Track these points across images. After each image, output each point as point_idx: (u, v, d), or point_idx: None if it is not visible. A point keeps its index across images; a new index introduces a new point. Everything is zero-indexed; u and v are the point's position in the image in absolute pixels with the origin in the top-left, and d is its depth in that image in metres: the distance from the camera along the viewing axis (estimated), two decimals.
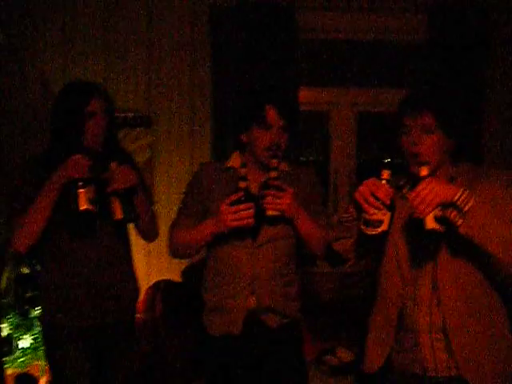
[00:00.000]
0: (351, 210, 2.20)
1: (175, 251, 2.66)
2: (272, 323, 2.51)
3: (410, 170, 2.16)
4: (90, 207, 2.40)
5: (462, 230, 1.94)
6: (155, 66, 3.94)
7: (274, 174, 2.40)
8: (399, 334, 2.20)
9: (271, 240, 2.51)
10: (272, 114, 2.46)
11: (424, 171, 1.98)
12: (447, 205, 1.93)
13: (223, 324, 2.52)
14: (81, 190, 2.39)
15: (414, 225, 1.99)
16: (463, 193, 1.92)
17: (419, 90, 2.25)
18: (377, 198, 1.98)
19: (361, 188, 2.03)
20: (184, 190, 2.68)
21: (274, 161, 2.39)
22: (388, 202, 1.99)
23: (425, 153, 2.10)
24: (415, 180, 2.17)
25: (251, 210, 2.37)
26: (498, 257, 1.96)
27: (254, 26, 3.82)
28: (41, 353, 3.50)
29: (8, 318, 3.51)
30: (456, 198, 1.92)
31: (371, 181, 2.03)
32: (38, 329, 3.48)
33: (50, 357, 2.69)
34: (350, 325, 3.62)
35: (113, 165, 2.49)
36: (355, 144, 4.19)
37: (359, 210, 2.04)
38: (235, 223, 2.37)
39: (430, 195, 1.90)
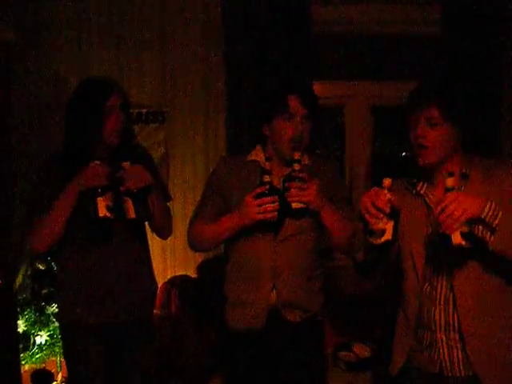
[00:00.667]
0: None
1: (196, 244, 2.67)
2: (294, 318, 2.52)
3: (418, 164, 2.15)
4: (108, 214, 2.44)
5: (492, 247, 1.92)
6: (169, 61, 3.92)
7: (297, 166, 2.39)
8: (417, 333, 2.19)
9: (293, 234, 2.51)
10: (295, 103, 2.48)
11: (450, 182, 1.94)
12: (475, 220, 1.90)
13: (245, 318, 2.52)
14: (99, 198, 2.43)
15: (440, 240, 1.97)
16: (491, 207, 1.90)
17: (425, 83, 2.23)
18: (377, 208, 1.97)
19: (362, 198, 2.04)
20: (205, 184, 2.69)
21: (297, 153, 2.39)
22: (388, 211, 1.98)
23: (431, 146, 2.09)
24: (427, 175, 2.16)
25: (276, 204, 2.37)
26: None
27: (268, 20, 3.79)
28: (57, 349, 3.52)
29: (25, 315, 3.52)
30: (485, 213, 1.89)
31: (372, 191, 2.03)
32: (54, 325, 3.50)
33: (66, 353, 2.71)
34: (368, 320, 3.61)
35: (125, 164, 2.50)
36: (371, 137, 4.16)
37: (364, 220, 2.04)
38: (260, 216, 2.37)
39: (458, 211, 1.88)
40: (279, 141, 2.50)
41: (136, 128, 3.85)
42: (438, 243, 2.03)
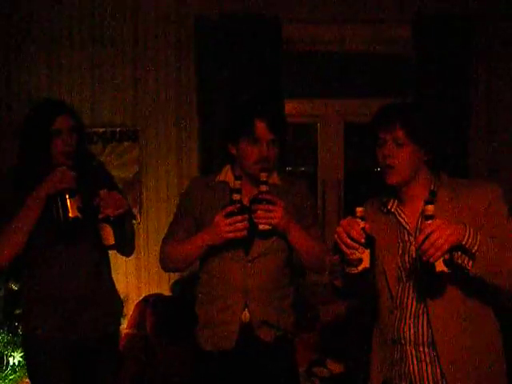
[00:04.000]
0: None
1: (167, 264, 2.65)
2: (266, 337, 2.51)
3: (386, 182, 2.17)
4: (79, 215, 2.46)
5: (472, 272, 1.95)
6: (141, 80, 3.95)
7: (264, 187, 2.39)
8: (389, 348, 2.21)
9: (263, 254, 2.51)
10: (261, 127, 2.45)
11: (430, 210, 1.95)
12: (455, 247, 1.92)
13: (216, 339, 2.51)
14: (70, 200, 2.45)
15: (423, 268, 1.99)
16: (470, 233, 1.92)
17: (391, 103, 2.27)
18: (352, 239, 2.00)
19: (337, 229, 2.05)
20: (176, 204, 2.70)
21: (264, 174, 2.38)
22: (363, 241, 2.00)
23: (398, 165, 2.12)
24: (393, 193, 2.19)
25: (246, 222, 2.37)
26: (506, 288, 2.00)
27: (240, 39, 3.83)
28: None
29: None
30: (465, 240, 1.92)
31: (346, 221, 2.04)
32: None
33: (31, 373, 2.66)
34: (342, 336, 3.63)
35: (102, 192, 2.50)
36: (343, 155, 4.20)
37: (340, 251, 2.06)
38: (231, 235, 2.38)
39: (440, 240, 1.89)
40: (245, 162, 2.50)
41: (109, 147, 3.85)
42: (420, 270, 2.05)
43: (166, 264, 2.65)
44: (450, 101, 3.88)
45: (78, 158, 2.58)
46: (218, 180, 2.61)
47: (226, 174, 2.61)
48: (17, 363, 3.49)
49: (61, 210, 2.45)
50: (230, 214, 2.37)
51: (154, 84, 3.95)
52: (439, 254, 1.90)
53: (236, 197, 2.38)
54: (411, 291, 2.15)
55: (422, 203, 2.11)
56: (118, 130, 3.91)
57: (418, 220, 2.16)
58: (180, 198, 2.73)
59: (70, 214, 2.44)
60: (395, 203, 2.23)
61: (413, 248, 2.14)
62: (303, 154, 4.64)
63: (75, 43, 3.91)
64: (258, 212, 2.38)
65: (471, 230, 1.93)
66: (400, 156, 2.12)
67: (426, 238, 1.90)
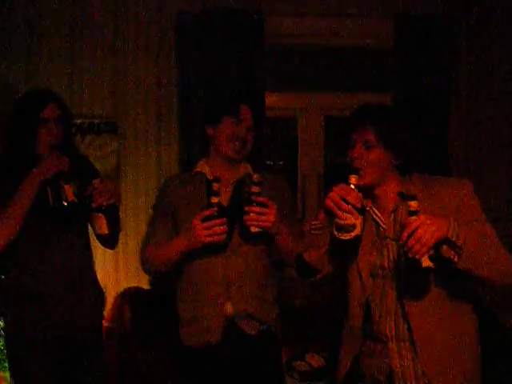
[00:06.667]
0: (321, 216, 2.19)
1: (149, 267, 2.65)
2: (250, 330, 2.50)
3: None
4: (75, 199, 2.47)
5: (459, 265, 1.94)
6: (121, 71, 3.90)
7: (256, 188, 2.38)
8: (366, 343, 2.21)
9: (243, 246, 2.50)
10: (245, 112, 2.54)
11: (413, 205, 1.94)
12: (441, 241, 1.92)
13: (200, 334, 2.50)
14: (66, 184, 2.46)
15: (409, 264, 1.97)
16: (454, 226, 1.91)
17: (363, 106, 2.26)
18: (348, 203, 1.99)
19: (331, 194, 2.02)
20: (152, 205, 2.69)
21: (256, 175, 2.38)
22: (359, 206, 1.99)
23: (365, 168, 2.11)
24: (364, 192, 2.18)
25: (224, 226, 2.36)
26: (490, 279, 2.01)
27: (221, 33, 3.82)
28: (6, 364, 3.43)
29: None
30: (450, 233, 1.91)
31: (340, 186, 2.02)
32: (2, 340, 3.42)
33: (13, 370, 2.65)
34: (320, 330, 3.63)
35: (96, 181, 2.49)
36: (323, 149, 4.21)
37: (330, 216, 2.04)
38: (209, 239, 2.36)
39: (426, 235, 1.88)
40: (222, 139, 2.53)
41: (88, 138, 3.81)
42: (404, 267, 2.04)
43: (147, 267, 2.64)
44: (431, 96, 3.90)
45: (64, 148, 2.55)
46: (193, 172, 2.63)
47: (202, 166, 2.62)
48: None
49: (56, 195, 2.45)
50: (207, 218, 2.35)
51: (133, 75, 3.90)
52: (425, 249, 1.89)
53: (214, 199, 2.35)
54: (388, 288, 2.15)
55: (393, 202, 2.14)
56: (96, 121, 3.87)
57: (390, 217, 2.16)
58: (156, 198, 2.71)
59: (68, 198, 2.45)
60: (369, 202, 2.23)
61: (389, 245, 2.15)
62: (283, 148, 4.64)
63: (54, 32, 3.84)
64: (251, 214, 2.36)
65: (455, 223, 1.93)
66: (368, 158, 2.11)
67: (412, 234, 1.89)
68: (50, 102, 2.54)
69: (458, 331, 2.15)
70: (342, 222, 2.00)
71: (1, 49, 3.81)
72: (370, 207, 2.21)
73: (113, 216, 2.55)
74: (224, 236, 2.37)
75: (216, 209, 2.35)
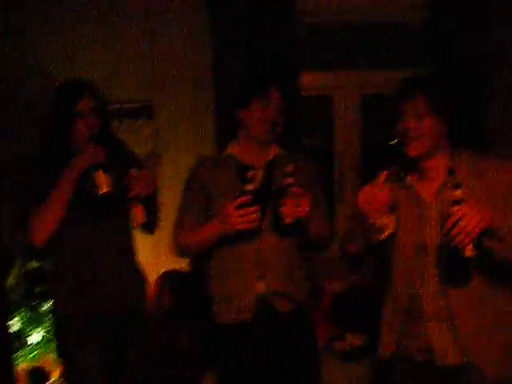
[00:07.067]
0: (357, 216, 2.20)
1: (182, 253, 2.71)
2: (281, 308, 2.52)
3: (407, 155, 2.15)
4: (112, 189, 2.48)
5: (500, 254, 1.96)
6: (156, 55, 3.91)
7: (290, 180, 2.38)
8: (408, 322, 2.21)
9: None
10: (274, 92, 2.54)
11: (458, 195, 1.94)
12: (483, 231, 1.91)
13: (233, 312, 2.53)
14: (104, 174, 2.47)
15: (451, 253, 1.97)
16: (497, 216, 1.92)
17: (413, 75, 2.24)
18: (380, 202, 1.98)
19: (361, 195, 2.04)
20: (183, 187, 2.69)
21: (290, 166, 2.38)
22: (390, 204, 2.00)
23: (419, 137, 2.11)
24: (413, 167, 2.16)
25: (258, 213, 2.37)
26: None
27: (255, 10, 3.78)
28: (53, 346, 3.51)
29: (19, 313, 3.52)
30: (493, 223, 1.91)
31: (370, 186, 2.05)
32: (48, 323, 3.50)
33: (62, 350, 2.70)
34: (360, 310, 3.63)
35: (133, 171, 2.50)
36: (360, 128, 4.17)
37: (363, 216, 2.05)
38: (243, 226, 2.37)
39: (471, 224, 1.88)
40: (253, 123, 2.55)
41: (125, 123, 3.84)
42: (448, 256, 2.04)
43: (180, 251, 2.69)
44: (468, 71, 3.81)
45: (102, 139, 2.56)
46: (224, 154, 2.66)
47: (233, 148, 2.64)
48: (39, 340, 3.53)
49: (95, 185, 2.47)
50: (241, 205, 2.36)
51: (168, 59, 3.91)
52: (469, 239, 1.89)
53: (248, 187, 2.36)
54: (430, 267, 2.14)
55: (441, 177, 2.12)
56: (132, 106, 3.89)
57: (436, 195, 2.14)
58: (186, 179, 2.71)
59: (105, 189, 2.46)
60: (411, 177, 2.21)
61: (432, 223, 2.13)
62: (320, 128, 4.60)
63: (90, 17, 3.86)
64: (287, 206, 2.36)
65: (498, 213, 1.93)
66: (421, 127, 2.10)
67: (456, 223, 1.89)
68: (84, 95, 2.55)
69: (497, 310, 2.15)
70: (374, 222, 2.01)
71: (38, 32, 3.84)
72: (414, 183, 2.19)
73: (150, 205, 2.57)
74: (257, 223, 2.39)
75: (250, 196, 2.36)
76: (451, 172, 2.11)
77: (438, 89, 2.15)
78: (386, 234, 2.02)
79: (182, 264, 3.90)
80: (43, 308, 3.54)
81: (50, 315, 3.35)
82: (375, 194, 2.00)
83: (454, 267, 2.04)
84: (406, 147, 2.14)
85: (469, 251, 1.93)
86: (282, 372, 2.56)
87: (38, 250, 2.69)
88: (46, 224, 2.51)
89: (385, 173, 2.03)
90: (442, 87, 2.18)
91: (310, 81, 4.02)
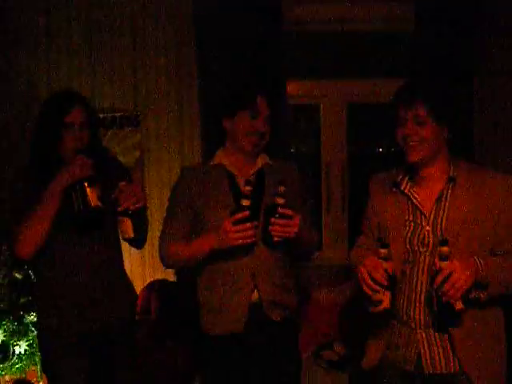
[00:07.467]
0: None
1: (171, 264, 2.70)
2: (276, 316, 2.51)
3: (406, 162, 2.16)
4: (100, 204, 2.43)
5: (487, 297, 2.04)
6: (141, 64, 3.91)
7: (281, 200, 2.37)
8: (394, 330, 2.20)
9: None
10: (262, 103, 2.50)
11: (445, 251, 1.97)
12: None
13: (226, 323, 2.50)
14: (91, 188, 2.42)
15: (443, 308, 2.02)
16: (482, 266, 1.98)
17: (412, 80, 2.24)
18: (375, 281, 2.01)
19: (361, 269, 2.06)
20: (170, 198, 2.65)
21: (282, 188, 2.37)
22: (386, 283, 2.02)
23: (420, 143, 2.10)
24: (412, 174, 2.17)
25: (255, 229, 2.37)
26: None
27: (241, 20, 3.78)
28: (37, 358, 3.47)
29: (3, 325, 3.48)
30: (479, 276, 1.97)
31: (369, 261, 2.06)
32: (33, 334, 3.46)
33: (46, 364, 2.66)
34: (347, 320, 3.62)
35: (122, 184, 2.46)
36: (346, 136, 4.17)
37: (362, 290, 2.08)
38: (240, 242, 2.36)
39: (460, 281, 1.94)
40: (239, 133, 2.52)
41: (110, 133, 3.83)
42: (439, 311, 2.06)
43: (168, 263, 2.65)
44: (452, 80, 3.83)
45: (91, 151, 2.52)
46: (212, 164, 2.62)
47: (221, 157, 2.61)
48: (23, 352, 3.49)
49: (81, 199, 2.42)
50: (238, 221, 2.35)
51: (154, 68, 3.91)
52: (459, 294, 1.95)
53: (245, 202, 2.35)
54: (420, 274, 2.13)
55: (440, 185, 2.14)
56: (118, 115, 3.88)
57: (434, 205, 2.15)
58: (172, 190, 2.67)
59: (92, 203, 2.41)
60: (408, 184, 2.20)
61: (425, 231, 2.14)
62: (306, 136, 4.61)
63: (74, 28, 3.85)
64: (276, 226, 2.36)
65: (481, 262, 1.98)
66: (421, 134, 2.09)
67: (446, 279, 1.93)
68: (75, 107, 2.50)
69: (486, 320, 2.15)
70: (370, 297, 2.05)
71: (22, 47, 3.82)
72: (409, 190, 2.20)
73: (139, 219, 2.52)
74: (254, 238, 2.38)
75: (248, 212, 2.35)
76: (452, 179, 2.12)
77: (438, 94, 2.14)
78: (381, 308, 2.06)
79: (168, 274, 3.89)
80: (27, 320, 3.49)
81: (34, 327, 3.34)
82: (373, 271, 2.01)
83: (445, 318, 2.08)
84: (406, 154, 2.14)
85: (459, 305, 1.98)
86: (270, 380, 2.55)
87: (25, 262, 2.66)
88: (31, 238, 2.46)
89: (384, 250, 2.05)
90: (442, 92, 2.17)
91: (296, 90, 4.03)
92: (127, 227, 2.48)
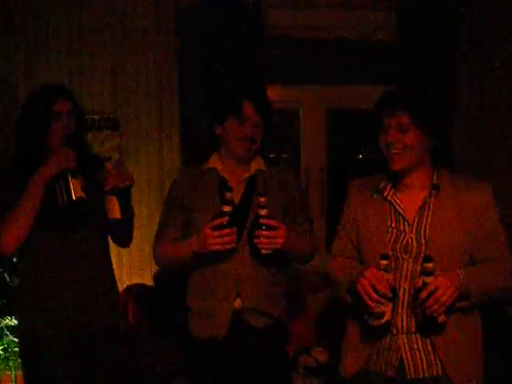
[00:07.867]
0: None
1: (162, 265, 2.73)
2: (257, 324, 2.51)
3: (389, 169, 2.17)
4: (84, 195, 2.42)
5: (467, 307, 2.08)
6: (120, 67, 3.88)
7: (263, 212, 2.37)
8: (377, 335, 2.20)
9: None
10: (248, 109, 2.51)
11: (430, 267, 1.99)
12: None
13: (209, 327, 2.51)
14: (74, 180, 2.42)
15: (425, 321, 2.04)
16: (464, 279, 2.01)
17: (395, 88, 2.25)
18: (377, 292, 2.01)
19: (362, 281, 2.05)
20: (166, 199, 2.69)
21: (263, 199, 2.36)
22: (390, 295, 2.02)
23: (403, 151, 2.11)
24: (394, 181, 2.18)
25: (234, 236, 2.37)
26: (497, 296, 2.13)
27: (221, 24, 3.78)
28: (11, 363, 3.44)
29: None
30: (461, 289, 2.00)
31: (370, 273, 2.05)
32: (7, 339, 3.42)
33: (26, 369, 2.60)
34: (326, 325, 3.62)
35: (108, 164, 2.48)
36: (325, 142, 4.19)
37: (361, 301, 2.06)
38: (218, 247, 2.37)
39: (444, 296, 1.97)
40: (231, 139, 2.53)
41: (89, 135, 3.79)
42: (422, 323, 2.08)
43: (161, 264, 2.72)
44: (434, 89, 3.85)
45: (76, 142, 2.52)
46: (206, 167, 2.63)
47: (214, 162, 2.62)
48: None
49: (65, 191, 2.42)
50: (218, 227, 2.35)
51: (133, 71, 3.88)
52: (443, 309, 1.98)
53: (226, 208, 2.35)
54: (402, 281, 2.14)
55: (423, 193, 2.15)
56: (97, 117, 3.84)
57: (418, 212, 2.15)
58: (168, 192, 2.70)
59: (76, 194, 2.41)
60: (391, 191, 2.20)
61: (408, 238, 2.14)
62: (286, 141, 4.61)
63: (53, 31, 3.82)
64: (261, 239, 2.37)
65: (463, 275, 2.02)
66: (404, 141, 2.10)
67: (430, 294, 1.96)
68: (60, 97, 2.53)
69: (466, 322, 2.16)
70: (372, 310, 2.04)
71: (1, 48, 3.78)
72: (392, 197, 2.20)
73: (126, 199, 2.53)
74: (233, 245, 2.39)
75: (227, 218, 2.34)
76: (435, 187, 2.13)
77: (421, 102, 2.14)
78: (383, 321, 2.06)
79: (146, 279, 3.87)
80: (2, 324, 3.45)
81: (9, 331, 3.29)
82: (376, 283, 2.01)
83: (428, 329, 2.10)
84: (389, 162, 2.14)
85: (442, 318, 2.01)
86: None
87: (7, 258, 2.63)
88: (14, 231, 2.43)
89: (385, 261, 2.04)
90: (425, 100, 2.16)
91: (275, 95, 4.02)
92: (114, 207, 2.46)
